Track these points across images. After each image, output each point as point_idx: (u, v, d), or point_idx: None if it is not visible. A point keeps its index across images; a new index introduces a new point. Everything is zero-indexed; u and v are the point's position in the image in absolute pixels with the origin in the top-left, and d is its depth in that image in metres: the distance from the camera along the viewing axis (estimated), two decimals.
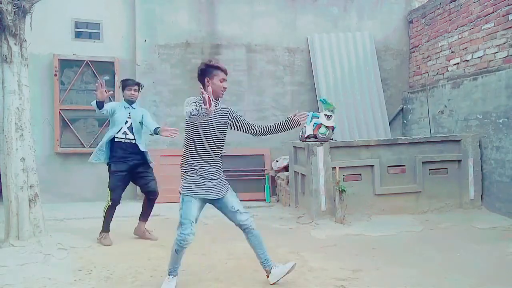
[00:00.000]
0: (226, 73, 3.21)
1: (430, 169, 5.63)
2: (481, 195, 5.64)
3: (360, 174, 5.51)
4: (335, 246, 4.32)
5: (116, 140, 4.55)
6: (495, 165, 5.43)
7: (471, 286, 3.26)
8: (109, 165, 4.59)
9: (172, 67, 7.07)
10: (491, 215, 5.32)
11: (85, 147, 6.78)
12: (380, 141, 5.75)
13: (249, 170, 6.94)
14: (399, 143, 5.66)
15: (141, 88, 4.80)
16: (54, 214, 5.55)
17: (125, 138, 4.56)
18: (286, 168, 6.86)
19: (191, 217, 3.09)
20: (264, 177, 6.90)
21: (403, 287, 3.25)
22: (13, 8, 4.15)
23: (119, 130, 4.55)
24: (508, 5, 5.41)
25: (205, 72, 3.15)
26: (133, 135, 4.58)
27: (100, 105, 4.39)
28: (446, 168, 5.68)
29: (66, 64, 6.77)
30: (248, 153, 7.11)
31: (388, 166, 5.56)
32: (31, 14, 4.39)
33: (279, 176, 6.91)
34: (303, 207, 5.89)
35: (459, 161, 5.66)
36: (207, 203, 3.27)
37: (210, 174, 3.17)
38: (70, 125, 6.75)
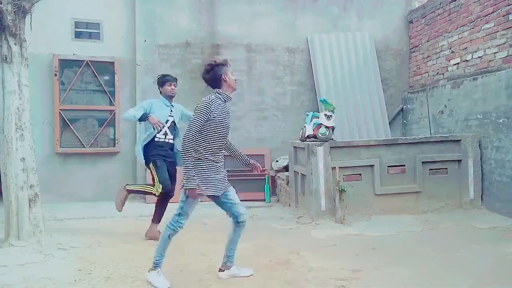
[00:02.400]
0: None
1: (430, 169, 5.63)
2: (481, 195, 5.63)
3: (360, 174, 5.51)
4: (335, 246, 4.32)
5: (155, 139, 4.44)
6: (495, 165, 5.43)
7: (471, 286, 3.26)
8: (153, 161, 4.43)
9: (172, 67, 7.06)
10: (491, 215, 5.32)
11: (85, 147, 6.79)
12: (380, 141, 5.75)
13: (249, 170, 6.91)
14: (399, 143, 5.66)
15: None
16: (54, 214, 5.55)
17: (165, 139, 4.47)
18: (286, 168, 6.86)
19: (191, 211, 3.28)
20: (264, 177, 6.89)
21: (403, 287, 3.25)
22: (13, 8, 4.15)
23: (160, 131, 4.43)
24: (508, 5, 5.41)
25: (221, 69, 3.25)
26: (172, 135, 4.51)
27: (143, 118, 4.35)
28: (446, 168, 5.67)
29: (66, 64, 6.77)
30: (248, 153, 7.05)
31: (388, 166, 5.56)
32: (31, 14, 4.39)
33: (279, 176, 6.91)
34: (303, 207, 5.89)
35: (459, 161, 5.66)
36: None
37: (222, 169, 3.34)
38: (70, 125, 6.75)
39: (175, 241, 3.75)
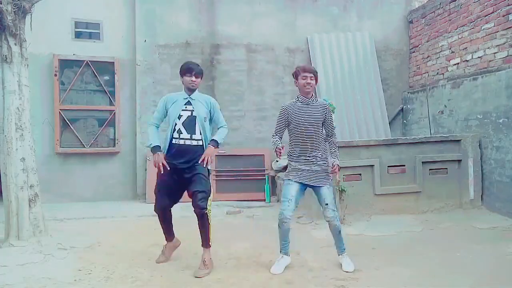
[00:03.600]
0: (308, 72, 3.72)
1: (430, 169, 5.63)
2: (481, 195, 5.64)
3: (360, 174, 5.51)
4: (335, 246, 4.31)
5: (172, 141, 3.63)
6: (495, 165, 5.43)
7: (471, 286, 3.26)
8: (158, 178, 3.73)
9: (172, 67, 7.06)
10: (491, 215, 5.32)
11: (85, 147, 6.78)
12: (380, 141, 5.75)
13: (249, 170, 6.94)
14: (399, 143, 5.66)
15: (202, 76, 3.83)
16: (54, 214, 5.55)
17: (179, 139, 3.60)
18: (286, 168, 6.84)
19: (289, 196, 3.59)
20: (264, 177, 6.89)
21: (403, 287, 3.25)
22: (13, 8, 4.15)
23: (173, 129, 3.62)
24: (508, 5, 5.41)
25: (295, 75, 3.80)
26: (190, 133, 3.61)
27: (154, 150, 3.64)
28: (446, 168, 5.67)
29: (66, 64, 6.77)
30: (248, 153, 7.10)
31: (388, 166, 5.56)
32: (31, 14, 4.39)
33: (279, 176, 6.91)
34: (303, 207, 5.88)
35: (459, 161, 5.66)
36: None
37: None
38: (70, 125, 6.75)
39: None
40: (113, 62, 6.89)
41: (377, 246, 4.27)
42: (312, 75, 3.71)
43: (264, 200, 6.77)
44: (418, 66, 7.58)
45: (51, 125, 6.72)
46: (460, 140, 5.68)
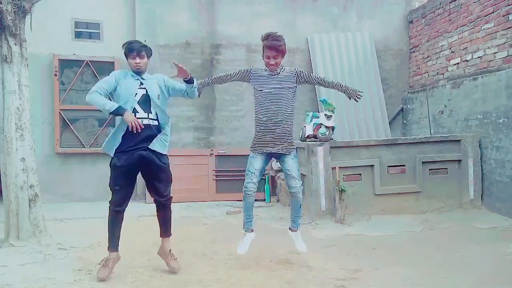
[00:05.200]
0: (270, 50, 3.47)
1: (430, 169, 5.63)
2: (481, 195, 5.63)
3: (360, 174, 5.51)
4: (335, 246, 4.32)
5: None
6: (495, 165, 5.43)
7: (471, 286, 3.26)
8: (111, 162, 3.48)
9: (172, 67, 6.96)
10: (491, 215, 5.32)
11: (85, 147, 6.79)
12: (380, 141, 5.75)
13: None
14: (399, 143, 5.66)
15: (151, 54, 3.56)
16: (54, 214, 5.54)
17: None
18: None
19: (252, 169, 3.62)
20: (264, 177, 6.89)
21: (403, 287, 3.25)
22: (13, 8, 4.15)
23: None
24: (508, 5, 5.41)
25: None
26: (147, 112, 3.40)
27: (117, 112, 3.33)
28: (446, 168, 5.67)
29: (66, 64, 6.77)
30: (248, 153, 7.06)
31: (388, 166, 5.56)
32: (31, 14, 4.38)
33: (279, 176, 6.91)
34: (303, 207, 5.88)
35: (459, 161, 5.66)
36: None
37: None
38: (70, 125, 6.75)
39: (175, 241, 3.77)
40: (113, 62, 6.88)
41: (377, 246, 4.27)
42: (276, 54, 3.45)
43: (264, 200, 6.78)
44: (418, 66, 7.58)
45: (51, 125, 6.73)
46: (460, 140, 5.68)
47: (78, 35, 6.88)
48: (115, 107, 3.29)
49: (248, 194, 3.59)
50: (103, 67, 6.87)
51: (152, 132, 3.42)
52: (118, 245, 3.49)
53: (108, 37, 6.96)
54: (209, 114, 7.30)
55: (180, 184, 5.95)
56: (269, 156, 3.68)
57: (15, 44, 4.24)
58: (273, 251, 4.07)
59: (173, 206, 3.72)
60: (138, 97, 3.39)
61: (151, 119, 3.43)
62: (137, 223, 5.31)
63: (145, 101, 3.41)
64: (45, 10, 5.78)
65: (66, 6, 6.74)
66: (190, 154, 6.94)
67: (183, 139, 7.17)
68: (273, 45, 3.44)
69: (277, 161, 3.94)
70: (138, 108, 3.38)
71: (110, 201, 3.44)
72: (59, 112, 6.69)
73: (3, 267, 3.61)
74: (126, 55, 3.45)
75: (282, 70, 3.58)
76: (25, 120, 4.33)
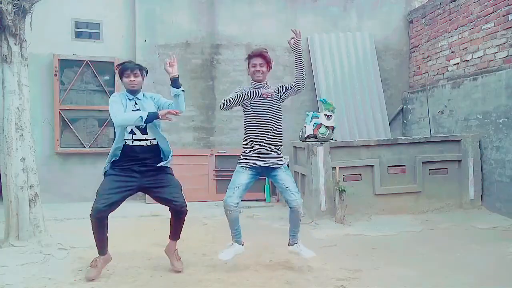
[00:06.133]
0: (256, 57, 3.58)
1: (430, 169, 5.63)
2: (481, 195, 5.63)
3: (360, 174, 5.51)
4: (335, 246, 4.32)
5: (126, 143, 3.44)
6: (495, 165, 5.43)
7: (471, 286, 3.26)
8: (105, 174, 3.62)
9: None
10: (491, 215, 5.32)
11: (85, 147, 6.79)
12: (380, 141, 5.75)
13: None
14: (399, 143, 5.66)
15: (146, 73, 3.62)
16: (54, 214, 5.54)
17: (132, 140, 3.43)
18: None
19: (237, 184, 3.47)
20: (264, 177, 6.88)
21: (403, 287, 3.25)
22: (13, 8, 4.15)
23: (125, 130, 3.43)
24: (508, 5, 5.41)
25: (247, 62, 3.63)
26: (145, 133, 3.45)
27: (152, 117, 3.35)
28: (446, 168, 5.67)
29: (66, 64, 6.77)
30: None
31: (388, 166, 5.56)
32: (31, 14, 4.38)
33: None
34: (303, 207, 5.88)
35: (459, 161, 5.66)
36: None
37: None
38: (70, 125, 6.75)
39: None
40: (113, 62, 6.86)
41: (377, 246, 4.27)
42: (262, 62, 3.53)
43: (264, 200, 6.78)
44: (418, 66, 7.58)
45: (51, 125, 6.73)
46: (460, 140, 5.68)
47: (78, 35, 6.88)
48: (146, 114, 3.30)
49: (230, 210, 3.45)
50: (103, 67, 6.88)
51: (151, 154, 3.45)
52: (106, 249, 3.51)
53: (108, 37, 6.96)
54: (209, 114, 7.30)
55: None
56: (257, 173, 3.54)
57: (15, 44, 4.24)
58: (273, 251, 4.07)
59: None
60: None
61: (149, 139, 3.46)
62: (137, 223, 5.31)
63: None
64: (45, 10, 5.78)
65: (66, 6, 6.75)
66: (190, 154, 6.94)
67: (183, 139, 7.17)
68: (258, 51, 3.56)
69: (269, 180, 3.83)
70: (135, 129, 3.41)
71: (91, 208, 3.42)
72: (59, 112, 6.69)
73: (3, 267, 3.62)
74: (121, 75, 3.47)
75: (267, 85, 3.64)
76: (25, 120, 4.33)
